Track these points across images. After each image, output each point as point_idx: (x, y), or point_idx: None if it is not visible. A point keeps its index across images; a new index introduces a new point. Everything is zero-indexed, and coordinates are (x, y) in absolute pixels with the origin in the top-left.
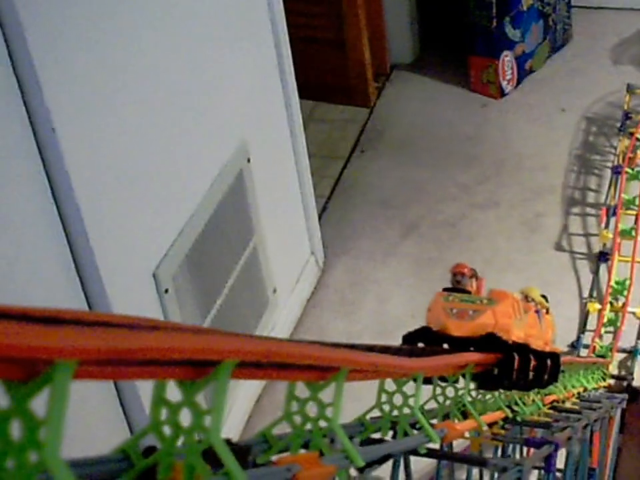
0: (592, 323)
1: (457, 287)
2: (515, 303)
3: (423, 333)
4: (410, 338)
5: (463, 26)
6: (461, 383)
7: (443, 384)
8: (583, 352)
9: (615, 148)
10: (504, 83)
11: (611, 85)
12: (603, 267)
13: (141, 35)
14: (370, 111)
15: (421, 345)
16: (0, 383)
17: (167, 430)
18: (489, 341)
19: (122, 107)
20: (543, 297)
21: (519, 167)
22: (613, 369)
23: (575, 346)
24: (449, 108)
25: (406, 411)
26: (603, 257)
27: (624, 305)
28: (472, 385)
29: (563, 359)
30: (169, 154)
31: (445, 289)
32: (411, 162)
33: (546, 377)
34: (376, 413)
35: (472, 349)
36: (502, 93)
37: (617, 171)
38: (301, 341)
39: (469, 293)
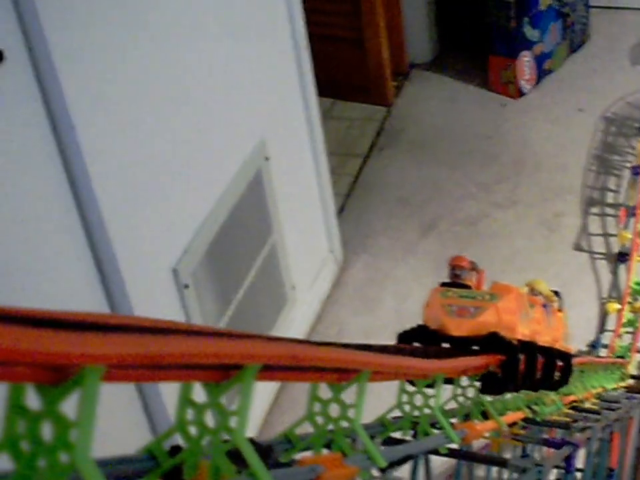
0: (611, 323)
1: (455, 281)
2: (519, 298)
3: (420, 332)
4: (406, 337)
5: (482, 26)
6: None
7: (464, 384)
8: (602, 352)
9: (634, 148)
10: (523, 83)
11: (630, 85)
12: (621, 267)
13: (160, 35)
14: (388, 110)
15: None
16: (32, 386)
17: (192, 430)
18: (491, 342)
19: (141, 105)
20: (555, 293)
21: (538, 166)
22: (632, 369)
23: (594, 346)
24: (467, 107)
25: (426, 411)
26: (622, 257)
27: None
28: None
29: (581, 359)
30: (188, 152)
31: (443, 284)
32: (429, 160)
33: (556, 377)
34: (396, 413)
35: (475, 348)
36: (521, 93)
37: (636, 171)
38: (322, 343)
39: (468, 287)
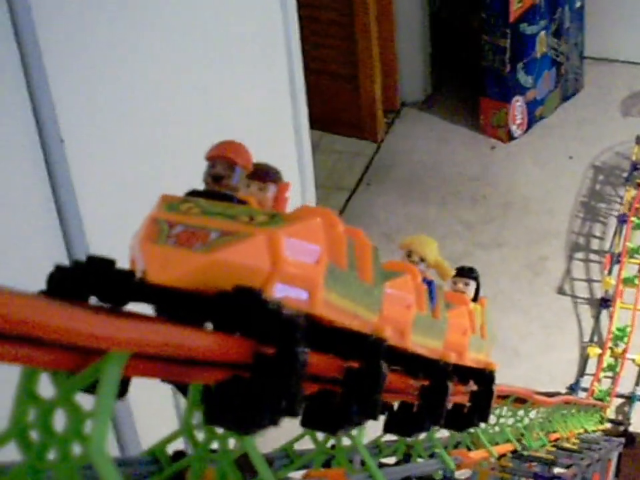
0: (591, 367)
1: (212, 189)
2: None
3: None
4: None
5: (476, 68)
6: None
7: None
8: (582, 395)
9: (621, 197)
10: (514, 127)
11: (620, 135)
12: (604, 313)
13: (153, 56)
14: (378, 146)
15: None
16: (46, 373)
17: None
18: (236, 307)
19: (130, 124)
20: (468, 271)
21: (525, 209)
22: (610, 414)
23: (573, 388)
24: (457, 148)
25: (421, 436)
26: (605, 303)
27: (624, 351)
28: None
29: (565, 397)
30: (173, 174)
31: (190, 193)
32: (417, 198)
33: (465, 408)
34: (391, 437)
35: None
36: (511, 137)
37: (622, 219)
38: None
39: (243, 202)
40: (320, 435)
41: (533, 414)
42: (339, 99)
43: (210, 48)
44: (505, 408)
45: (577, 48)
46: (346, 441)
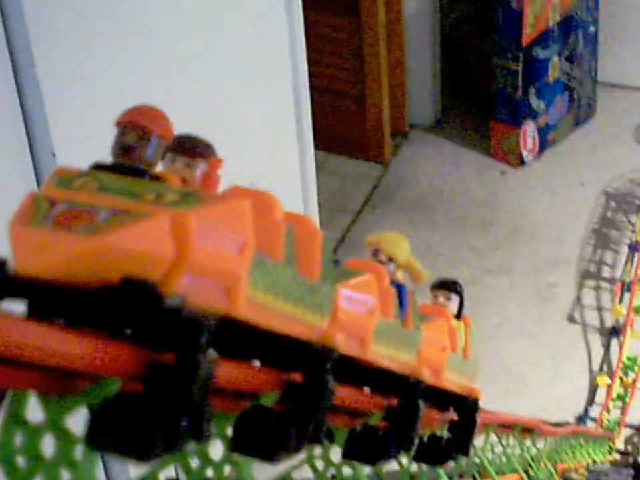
0: (601, 396)
1: (121, 161)
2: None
3: None
4: None
5: (487, 91)
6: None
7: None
8: (590, 425)
9: (633, 225)
10: (525, 153)
11: (633, 162)
12: (614, 342)
13: (154, 75)
14: (385, 169)
15: None
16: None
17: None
18: (124, 303)
19: None
20: (452, 285)
21: (535, 236)
22: (620, 444)
23: (582, 418)
24: (466, 172)
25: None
26: (615, 331)
27: (634, 381)
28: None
29: (574, 427)
30: None
31: (95, 166)
32: (423, 223)
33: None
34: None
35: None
36: (522, 162)
37: (634, 247)
38: None
39: (155, 179)
40: (319, 463)
41: (540, 444)
42: (346, 119)
43: (213, 65)
44: (512, 437)
45: (590, 73)
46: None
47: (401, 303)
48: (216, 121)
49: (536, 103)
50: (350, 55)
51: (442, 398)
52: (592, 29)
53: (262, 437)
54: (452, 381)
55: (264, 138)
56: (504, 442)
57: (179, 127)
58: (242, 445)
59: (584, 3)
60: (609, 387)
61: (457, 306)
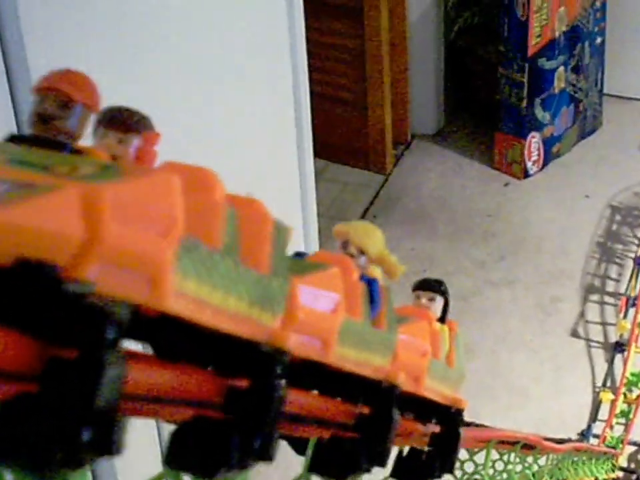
0: (604, 412)
1: (40, 132)
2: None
3: None
4: None
5: (491, 102)
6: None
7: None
8: (593, 441)
9: (639, 238)
10: (529, 164)
11: (638, 175)
12: (618, 357)
13: (151, 81)
14: (385, 178)
15: None
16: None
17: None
18: (18, 288)
19: None
20: (436, 285)
21: (538, 248)
22: (623, 461)
23: (584, 434)
24: (468, 183)
25: None
26: (619, 346)
27: (638, 397)
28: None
29: (576, 444)
30: None
31: (11, 138)
32: (424, 233)
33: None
34: None
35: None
36: (526, 174)
37: (639, 261)
38: None
39: (78, 153)
40: None
41: (542, 461)
42: (347, 127)
43: (213, 72)
44: (513, 454)
45: (597, 85)
46: None
47: (373, 301)
48: (215, 128)
49: (541, 114)
50: (352, 62)
51: (422, 407)
52: (598, 39)
53: (200, 449)
54: (433, 389)
55: (263, 145)
56: (505, 458)
57: (181, 135)
58: (177, 458)
59: (591, 14)
60: (613, 403)
61: (441, 308)
